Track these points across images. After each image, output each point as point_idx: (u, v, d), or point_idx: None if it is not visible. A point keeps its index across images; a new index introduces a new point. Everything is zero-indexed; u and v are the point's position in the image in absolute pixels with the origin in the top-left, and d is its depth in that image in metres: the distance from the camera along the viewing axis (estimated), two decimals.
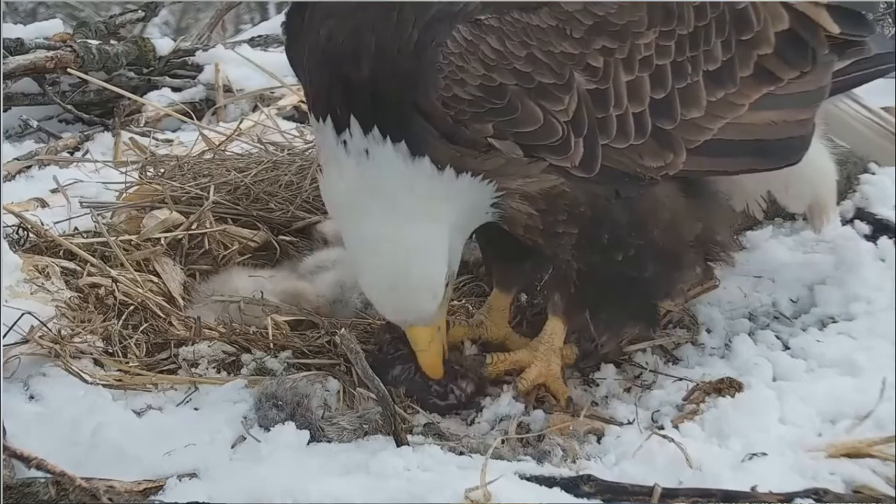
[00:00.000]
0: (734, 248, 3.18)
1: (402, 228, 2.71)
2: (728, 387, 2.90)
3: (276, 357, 3.14)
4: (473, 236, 3.11)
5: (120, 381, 3.00)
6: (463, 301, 3.51)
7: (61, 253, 3.54)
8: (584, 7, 2.69)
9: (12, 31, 5.55)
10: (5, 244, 3.32)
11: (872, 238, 3.69)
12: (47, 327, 3.06)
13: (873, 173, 4.01)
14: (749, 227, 3.77)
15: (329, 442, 2.69)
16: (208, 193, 3.89)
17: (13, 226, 3.60)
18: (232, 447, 2.68)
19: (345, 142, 2.69)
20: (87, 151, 4.74)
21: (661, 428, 2.77)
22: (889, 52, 3.20)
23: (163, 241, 3.68)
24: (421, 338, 2.89)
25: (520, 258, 3.20)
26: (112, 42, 5.57)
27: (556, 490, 2.45)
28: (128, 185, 4.03)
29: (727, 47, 2.85)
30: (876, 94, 3.48)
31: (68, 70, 5.06)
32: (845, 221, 3.80)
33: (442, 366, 2.93)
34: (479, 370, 3.04)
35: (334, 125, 2.71)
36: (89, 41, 5.34)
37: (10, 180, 4.27)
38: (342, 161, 2.71)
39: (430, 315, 2.85)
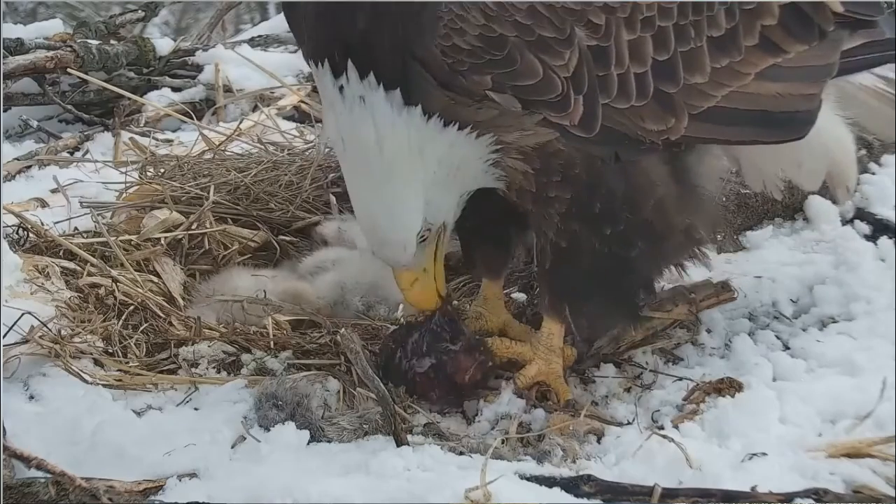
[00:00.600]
0: (710, 248, 3.15)
1: (380, 182, 2.78)
2: (728, 387, 2.90)
3: (276, 357, 3.14)
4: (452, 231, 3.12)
5: (120, 381, 3.00)
6: (463, 301, 3.52)
7: (61, 253, 3.54)
8: None
9: (12, 31, 5.55)
10: (5, 244, 3.32)
11: (872, 238, 3.70)
12: (47, 327, 3.06)
13: (873, 173, 4.01)
14: (749, 226, 3.77)
15: (329, 442, 2.69)
16: (208, 193, 3.89)
17: (13, 226, 3.60)
18: (232, 447, 2.68)
19: (341, 87, 2.71)
20: (87, 151, 4.74)
21: (661, 428, 2.77)
22: None
23: (163, 241, 3.68)
24: (402, 279, 2.98)
25: (502, 242, 3.21)
26: (112, 42, 5.57)
27: (556, 490, 2.45)
28: (128, 185, 4.03)
29: (731, 15, 2.85)
30: None
31: (68, 70, 5.06)
32: (845, 221, 3.80)
33: (429, 300, 3.01)
34: (488, 354, 3.04)
35: (332, 70, 2.73)
36: (89, 41, 5.34)
37: (10, 180, 4.27)
38: (337, 106, 2.74)
39: (406, 262, 2.91)
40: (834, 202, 3.70)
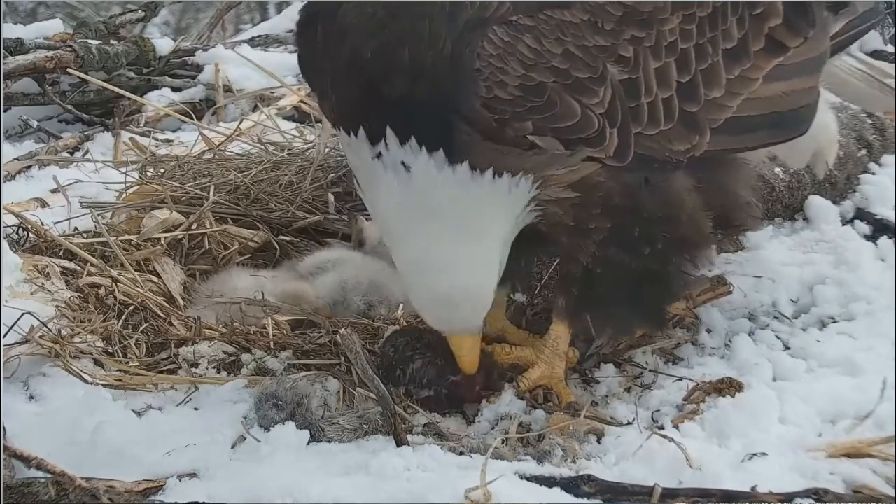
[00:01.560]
0: (758, 213, 3.15)
1: (452, 246, 2.73)
2: (728, 387, 2.90)
3: (276, 357, 3.14)
4: None
5: (120, 381, 3.00)
6: None
7: (61, 253, 3.54)
8: None
9: (12, 31, 5.56)
10: (5, 244, 3.32)
11: (872, 238, 3.70)
12: (47, 327, 3.06)
13: (873, 173, 4.01)
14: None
15: (329, 442, 2.69)
16: (208, 193, 3.89)
17: (13, 226, 3.60)
18: (232, 447, 2.68)
19: (380, 154, 2.68)
20: (87, 151, 4.74)
21: (661, 428, 2.77)
22: (871, 8, 3.26)
23: (163, 241, 3.68)
24: (466, 346, 2.92)
25: (517, 255, 3.20)
26: (112, 42, 5.57)
27: (556, 490, 2.44)
28: (128, 185, 4.03)
29: (742, 24, 2.88)
30: None
31: (68, 70, 5.06)
32: (845, 221, 3.80)
33: (477, 363, 2.96)
34: (490, 360, 3.05)
35: (368, 138, 2.69)
36: (89, 41, 5.34)
37: (10, 180, 4.27)
38: (380, 176, 2.70)
39: (478, 326, 2.90)
40: (813, 176, 3.79)
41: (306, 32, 2.89)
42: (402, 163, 2.66)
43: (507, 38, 2.62)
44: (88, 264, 3.47)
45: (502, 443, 2.70)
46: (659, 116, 2.76)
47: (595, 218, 2.82)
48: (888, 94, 3.46)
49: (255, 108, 5.01)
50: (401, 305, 3.50)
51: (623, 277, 2.92)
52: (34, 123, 5.17)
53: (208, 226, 3.79)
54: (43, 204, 3.94)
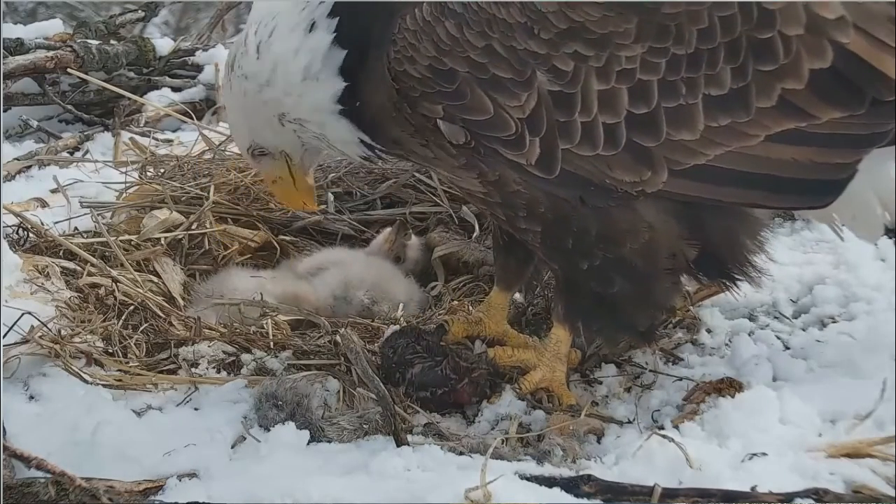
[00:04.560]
0: (762, 266, 2.94)
1: (261, 91, 2.87)
2: (728, 387, 2.90)
3: (276, 357, 3.14)
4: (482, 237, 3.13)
5: (120, 381, 3.00)
6: (463, 301, 3.52)
7: (61, 253, 3.54)
8: (560, 10, 2.65)
9: (12, 31, 5.56)
10: (5, 244, 3.32)
11: None
12: (47, 327, 3.06)
13: None
14: None
15: (329, 442, 2.69)
16: (208, 193, 3.89)
17: (13, 226, 3.60)
18: (232, 447, 2.68)
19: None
20: (87, 151, 4.75)
21: (661, 428, 2.76)
22: None
23: (163, 241, 3.68)
24: (264, 176, 3.20)
25: (525, 259, 3.20)
26: (112, 42, 5.58)
27: (556, 490, 2.44)
28: (128, 185, 4.03)
29: (740, 75, 2.70)
30: None
31: (68, 70, 5.06)
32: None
33: (291, 201, 3.25)
34: (490, 363, 3.05)
35: None
36: (89, 41, 5.35)
37: (10, 180, 4.27)
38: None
39: (247, 158, 3.10)
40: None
41: None
42: (313, 21, 2.80)
43: (429, 17, 2.65)
44: (88, 264, 3.47)
45: (502, 443, 2.70)
46: (596, 139, 2.68)
47: (522, 220, 2.82)
48: None
49: None
50: (400, 305, 3.51)
51: (597, 295, 2.87)
52: (34, 123, 5.17)
53: (208, 226, 3.79)
54: (43, 204, 3.95)
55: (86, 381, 2.94)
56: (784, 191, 2.76)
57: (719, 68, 2.69)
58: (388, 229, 3.87)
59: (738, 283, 2.94)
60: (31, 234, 3.60)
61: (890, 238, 3.65)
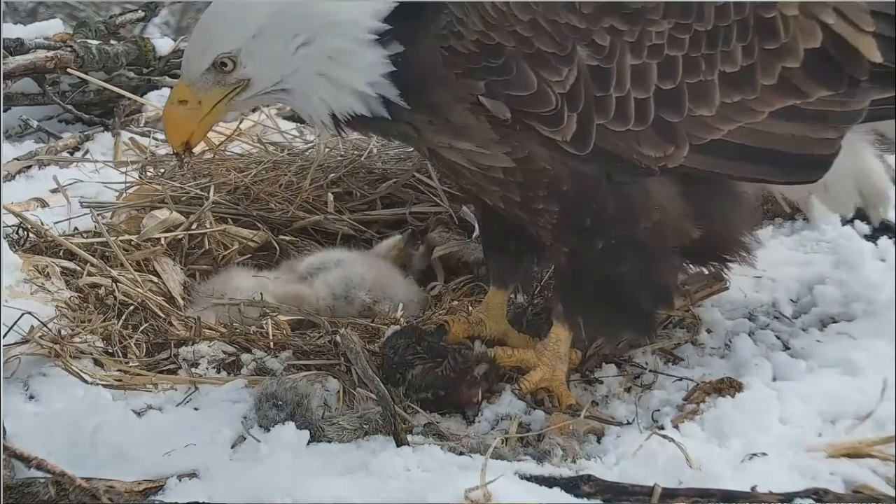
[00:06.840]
0: (753, 248, 3.08)
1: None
2: (728, 387, 2.90)
3: (276, 357, 3.14)
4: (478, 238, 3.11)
5: (120, 381, 3.00)
6: (463, 301, 3.52)
7: (61, 253, 3.54)
8: None
9: (12, 31, 5.55)
10: (5, 244, 3.33)
11: (872, 238, 3.69)
12: (47, 327, 3.07)
13: None
14: None
15: (329, 442, 2.69)
16: (208, 193, 3.89)
17: (13, 226, 3.61)
18: (232, 447, 2.68)
19: None
20: (87, 151, 4.74)
21: (662, 428, 2.76)
22: None
23: (163, 241, 3.68)
24: (176, 90, 2.86)
25: (517, 256, 3.20)
26: (112, 42, 5.57)
27: (556, 490, 2.45)
28: (128, 185, 4.03)
29: (749, 53, 2.81)
30: None
31: (68, 70, 5.06)
32: (845, 221, 3.79)
33: (181, 130, 2.86)
34: (491, 362, 3.04)
35: None
36: (89, 41, 5.34)
37: (10, 180, 4.27)
38: None
39: (191, 75, 2.78)
40: (869, 221, 3.63)
41: None
42: None
43: None
44: (88, 264, 3.47)
45: (502, 443, 2.70)
46: (628, 114, 2.72)
47: (541, 199, 2.81)
48: None
49: (254, 108, 5.00)
50: (400, 305, 3.51)
51: (605, 278, 2.89)
52: (34, 123, 5.17)
53: (208, 226, 3.79)
54: (43, 204, 3.95)
55: (86, 381, 2.94)
56: (786, 165, 2.87)
57: (732, 46, 2.79)
58: (397, 236, 3.87)
59: (729, 264, 3.05)
60: (31, 234, 3.60)
61: (890, 238, 3.65)
